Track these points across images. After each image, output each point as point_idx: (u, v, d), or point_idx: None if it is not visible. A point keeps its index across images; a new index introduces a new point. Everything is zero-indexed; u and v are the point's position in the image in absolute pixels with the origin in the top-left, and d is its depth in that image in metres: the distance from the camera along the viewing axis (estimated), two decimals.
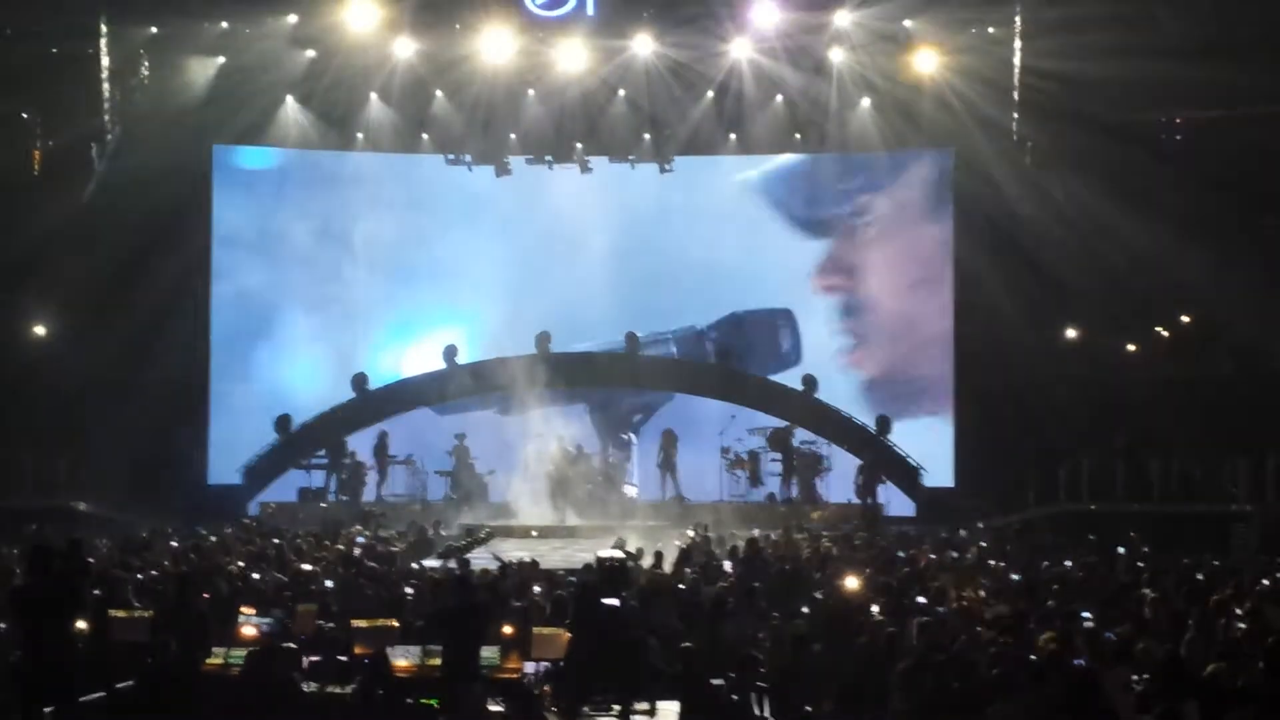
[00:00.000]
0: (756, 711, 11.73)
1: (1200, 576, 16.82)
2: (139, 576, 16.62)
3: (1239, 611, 14.05)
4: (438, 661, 12.35)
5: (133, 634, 12.97)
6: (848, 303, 32.04)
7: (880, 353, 32.00)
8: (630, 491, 29.93)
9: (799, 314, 32.69)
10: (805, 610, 14.16)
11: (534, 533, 26.67)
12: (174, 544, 21.26)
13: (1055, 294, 29.34)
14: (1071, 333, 30.73)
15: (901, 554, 20.03)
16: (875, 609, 14.33)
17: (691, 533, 22.89)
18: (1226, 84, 26.88)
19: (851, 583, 14.21)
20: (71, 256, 28.24)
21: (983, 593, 15.86)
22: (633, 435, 31.08)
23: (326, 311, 31.76)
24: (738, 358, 31.85)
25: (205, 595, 14.96)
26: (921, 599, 14.68)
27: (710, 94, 30.42)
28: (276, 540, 21.18)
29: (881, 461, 29.54)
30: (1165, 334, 31.09)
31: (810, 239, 32.27)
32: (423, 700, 11.89)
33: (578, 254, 30.76)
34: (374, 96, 30.66)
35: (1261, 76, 26.27)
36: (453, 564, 19.05)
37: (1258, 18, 26.48)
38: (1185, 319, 31.01)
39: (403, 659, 12.25)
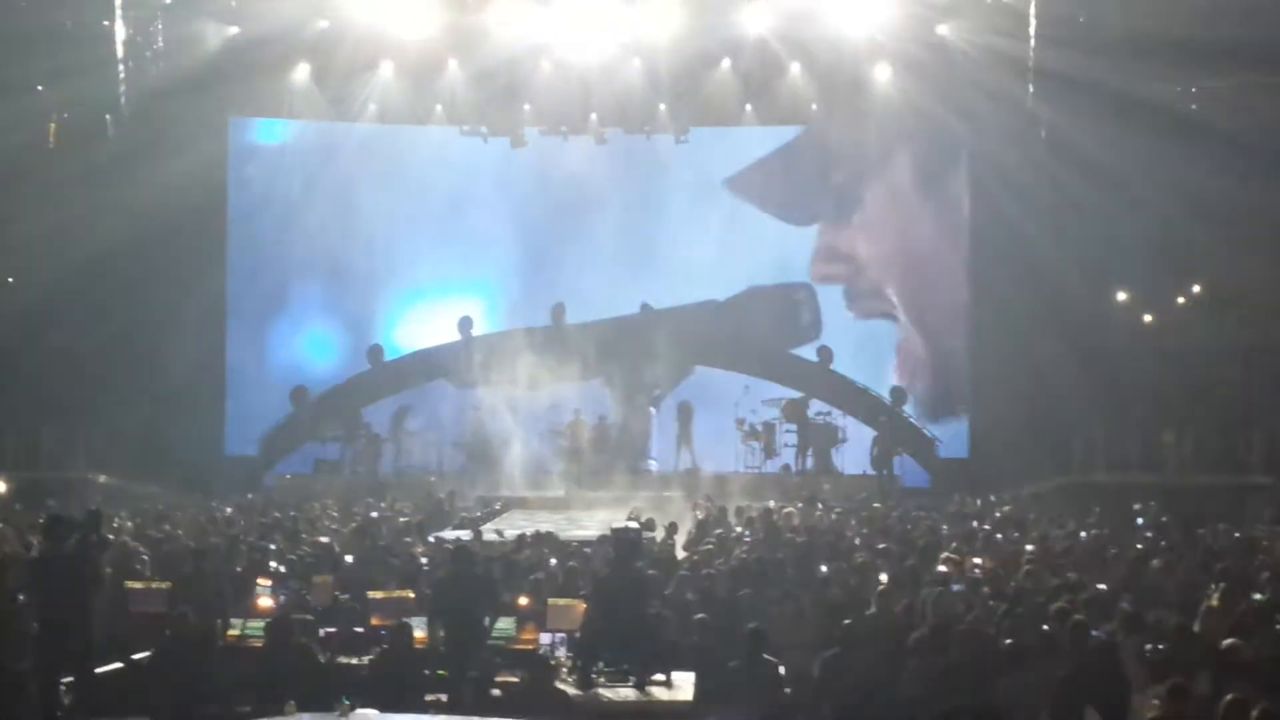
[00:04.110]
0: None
1: (1218, 547, 16.84)
2: (157, 547, 16.72)
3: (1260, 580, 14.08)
4: (443, 633, 12.40)
5: (150, 605, 13.04)
6: (862, 275, 31.88)
7: (895, 325, 31.87)
8: (651, 465, 29.92)
9: (816, 287, 32.60)
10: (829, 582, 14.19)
11: (549, 504, 26.66)
12: (191, 515, 21.38)
13: (1070, 265, 29.19)
14: (1087, 304, 30.58)
15: (912, 527, 20.04)
16: (885, 578, 14.37)
17: (706, 503, 22.90)
18: (1245, 52, 26.67)
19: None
20: (86, 228, 28.24)
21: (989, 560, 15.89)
22: (653, 409, 30.98)
23: (342, 283, 31.76)
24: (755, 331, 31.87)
25: (236, 569, 15.07)
26: (943, 568, 14.70)
27: (726, 64, 30.25)
28: (293, 513, 21.27)
29: (897, 433, 29.51)
30: (1181, 304, 30.95)
31: (825, 210, 32.07)
32: (438, 672, 11.94)
33: (593, 226, 30.76)
34: (388, 67, 30.55)
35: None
36: (467, 534, 19.13)
37: None
38: (1199, 289, 30.85)
39: (419, 630, 12.32)
